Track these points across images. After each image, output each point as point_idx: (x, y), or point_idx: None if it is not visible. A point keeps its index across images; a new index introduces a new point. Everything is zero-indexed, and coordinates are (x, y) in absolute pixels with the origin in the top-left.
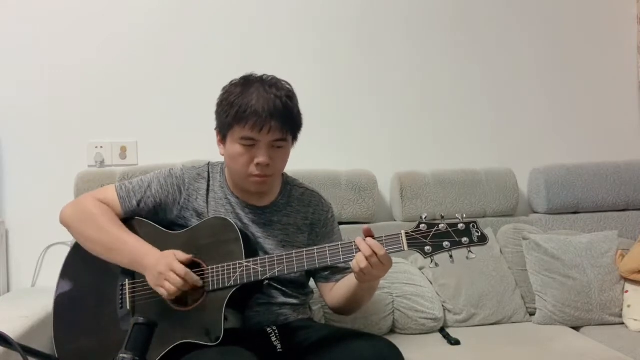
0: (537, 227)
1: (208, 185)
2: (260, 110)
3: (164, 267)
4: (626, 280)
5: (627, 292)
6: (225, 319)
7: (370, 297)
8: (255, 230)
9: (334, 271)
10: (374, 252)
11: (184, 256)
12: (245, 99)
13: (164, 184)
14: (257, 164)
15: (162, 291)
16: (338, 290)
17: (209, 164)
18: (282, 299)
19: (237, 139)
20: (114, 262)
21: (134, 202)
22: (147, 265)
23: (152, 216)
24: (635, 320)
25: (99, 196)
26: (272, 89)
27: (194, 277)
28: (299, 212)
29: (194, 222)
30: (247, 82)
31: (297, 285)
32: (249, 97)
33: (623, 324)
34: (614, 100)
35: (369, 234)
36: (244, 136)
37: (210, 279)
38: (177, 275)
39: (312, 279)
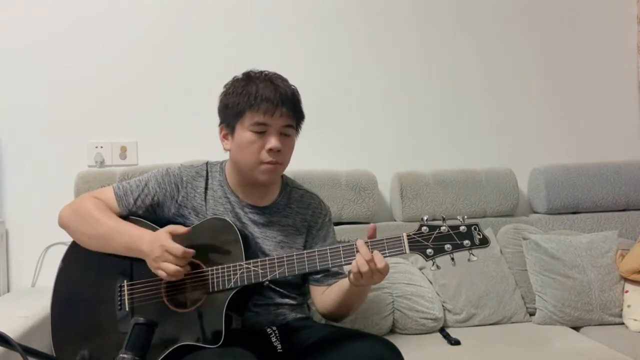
0: (537, 227)
1: (206, 184)
2: (272, 97)
3: (159, 251)
4: (626, 280)
5: (627, 292)
6: (226, 320)
7: (360, 303)
8: (254, 230)
9: (327, 275)
10: (374, 260)
11: (180, 229)
12: (252, 88)
13: (161, 182)
14: (270, 150)
15: (161, 273)
16: (329, 294)
17: (207, 163)
18: (279, 300)
19: (249, 126)
20: (111, 251)
21: (131, 200)
22: (143, 251)
23: (149, 215)
24: (635, 320)
25: (96, 195)
26: (277, 80)
27: (188, 251)
28: (298, 213)
29: (193, 220)
30: (250, 77)
31: (293, 286)
32: (256, 86)
33: (623, 324)
34: (614, 100)
35: (372, 232)
36: (256, 122)
37: (210, 281)
38: (172, 254)
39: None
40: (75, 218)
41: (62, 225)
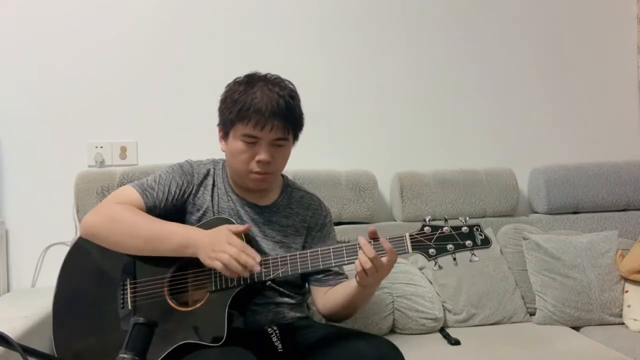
0: (537, 227)
1: (214, 181)
2: (263, 109)
3: (220, 244)
4: (626, 280)
5: (627, 292)
6: (228, 319)
7: (366, 303)
8: (253, 229)
9: (329, 275)
10: (386, 252)
11: (238, 227)
12: (248, 97)
13: (178, 180)
14: (258, 161)
15: (217, 264)
16: (333, 295)
17: (213, 160)
18: (279, 299)
19: (239, 136)
20: (157, 253)
21: (154, 200)
22: (200, 244)
23: (166, 213)
24: (635, 320)
25: (119, 199)
26: (276, 88)
27: (251, 252)
28: (298, 214)
29: (203, 217)
30: (251, 80)
31: (293, 285)
32: (252, 95)
33: (623, 324)
34: (614, 100)
35: (373, 236)
36: (246, 133)
37: (212, 280)
38: (234, 246)
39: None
40: (110, 224)
41: (91, 233)
